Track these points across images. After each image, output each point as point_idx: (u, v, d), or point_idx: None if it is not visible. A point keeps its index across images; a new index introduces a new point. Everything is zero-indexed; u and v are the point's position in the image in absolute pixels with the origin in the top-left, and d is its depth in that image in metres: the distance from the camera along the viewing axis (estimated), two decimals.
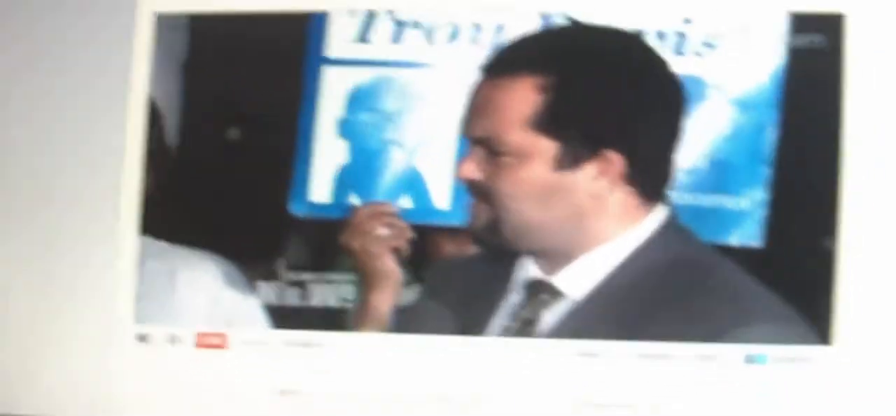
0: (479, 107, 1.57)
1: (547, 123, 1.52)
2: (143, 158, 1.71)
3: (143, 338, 1.70)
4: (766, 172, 1.58)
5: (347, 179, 1.69)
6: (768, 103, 1.59)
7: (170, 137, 1.73)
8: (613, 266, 1.53)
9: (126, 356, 1.70)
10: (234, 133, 1.72)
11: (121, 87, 1.73)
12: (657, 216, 1.54)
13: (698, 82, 1.61)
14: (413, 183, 1.68)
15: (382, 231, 1.66)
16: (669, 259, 1.53)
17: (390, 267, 1.66)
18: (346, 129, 1.69)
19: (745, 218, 1.58)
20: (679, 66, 1.59)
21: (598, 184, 1.52)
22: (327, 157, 1.70)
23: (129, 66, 1.72)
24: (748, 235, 1.58)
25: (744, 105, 1.60)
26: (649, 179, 1.54)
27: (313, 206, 1.69)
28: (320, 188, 1.70)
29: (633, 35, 1.61)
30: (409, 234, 1.67)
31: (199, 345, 1.69)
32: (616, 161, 1.51)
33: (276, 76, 1.71)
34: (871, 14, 1.56)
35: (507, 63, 1.57)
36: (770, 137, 1.59)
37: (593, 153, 1.52)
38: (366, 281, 1.67)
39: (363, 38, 1.70)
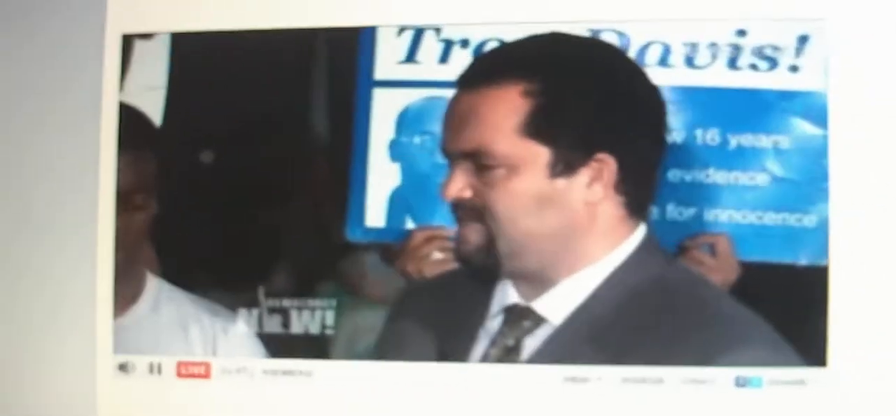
0: (461, 120, 1.52)
1: (538, 127, 1.48)
2: (118, 182, 1.68)
3: (123, 367, 1.69)
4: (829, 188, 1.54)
5: (401, 203, 1.67)
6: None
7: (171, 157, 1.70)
8: (592, 289, 1.50)
9: (106, 385, 1.69)
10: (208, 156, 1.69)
11: (94, 108, 1.70)
12: (637, 236, 1.51)
13: (756, 95, 1.56)
14: None
15: (438, 255, 1.64)
16: (649, 280, 1.49)
17: None
18: (398, 151, 1.67)
19: (811, 236, 1.54)
20: (734, 79, 1.55)
21: (592, 192, 1.49)
22: (380, 180, 1.67)
23: (100, 86, 1.69)
24: (814, 254, 1.54)
25: (805, 119, 1.56)
26: (638, 188, 1.50)
27: (370, 231, 1.67)
28: (375, 213, 1.67)
29: (607, 43, 1.57)
30: None
31: (181, 375, 1.68)
32: (609, 164, 1.48)
33: (326, 98, 1.68)
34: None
35: (488, 72, 1.53)
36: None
37: (587, 156, 1.48)
38: None
39: (411, 58, 1.66)
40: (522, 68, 1.50)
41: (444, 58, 1.66)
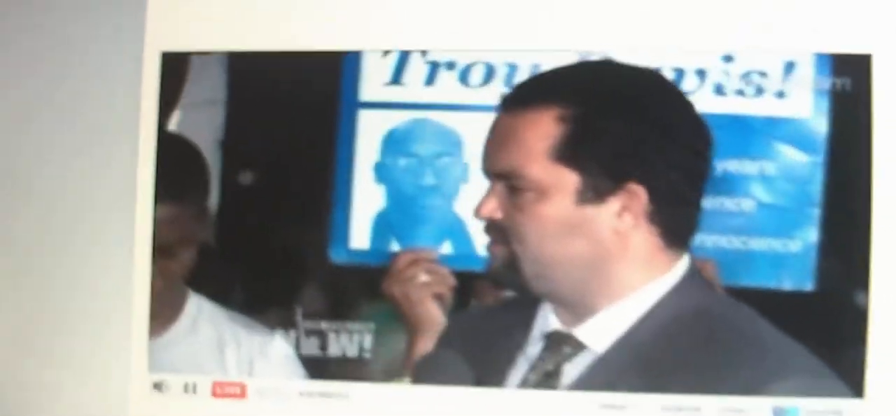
0: (499, 140, 1.54)
1: (568, 153, 1.49)
2: (155, 202, 1.68)
3: (158, 386, 1.69)
4: (816, 213, 1.54)
5: (386, 226, 1.67)
6: (816, 144, 1.55)
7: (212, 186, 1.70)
8: (637, 318, 1.50)
9: (141, 404, 1.68)
10: (254, 178, 1.69)
11: (133, 127, 1.70)
12: (681, 266, 1.51)
13: (742, 121, 1.56)
14: (453, 229, 1.66)
15: (424, 278, 1.64)
16: (694, 309, 1.49)
17: (433, 314, 1.64)
18: (383, 173, 1.66)
19: (796, 261, 1.54)
20: (721, 105, 1.55)
21: (622, 221, 1.49)
22: (365, 202, 1.67)
23: (138, 104, 1.69)
24: (798, 279, 1.54)
25: (792, 145, 1.56)
26: (673, 219, 1.50)
27: (353, 253, 1.66)
28: (360, 235, 1.66)
29: (655, 72, 1.57)
30: (451, 281, 1.65)
31: (217, 395, 1.67)
32: (639, 195, 1.48)
33: (309, 120, 1.67)
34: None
35: (527, 96, 1.54)
36: (819, 177, 1.55)
37: (616, 186, 1.49)
38: (408, 329, 1.65)
39: (396, 80, 1.65)
40: (560, 94, 1.50)
41: (430, 80, 1.65)
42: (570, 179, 1.49)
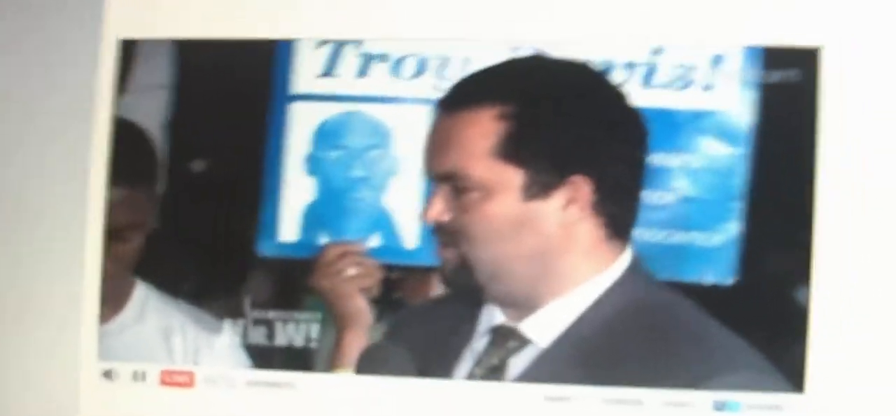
0: (440, 143, 1.53)
1: (511, 150, 1.48)
2: (108, 187, 1.68)
3: (107, 374, 1.67)
4: (738, 207, 1.51)
5: (316, 218, 1.66)
6: (741, 137, 1.53)
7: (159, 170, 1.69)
8: (580, 311, 1.49)
9: (90, 392, 1.67)
10: (198, 166, 1.68)
11: (86, 112, 1.69)
12: (624, 259, 1.50)
13: (668, 114, 1.54)
14: (382, 222, 1.65)
15: (352, 271, 1.62)
16: (636, 303, 1.48)
17: (361, 307, 1.63)
18: (314, 166, 1.65)
19: (717, 255, 1.51)
20: (648, 98, 1.53)
21: (568, 213, 1.48)
22: (295, 194, 1.66)
23: (94, 91, 1.69)
24: (720, 272, 1.51)
25: (716, 139, 1.54)
26: (617, 210, 1.49)
27: (281, 246, 1.65)
28: (288, 227, 1.65)
29: (591, 67, 1.56)
30: (379, 274, 1.64)
31: (165, 383, 1.66)
32: (584, 186, 1.47)
33: (241, 110, 1.66)
34: (847, 48, 1.50)
35: (465, 96, 1.53)
36: (742, 171, 1.52)
37: (561, 179, 1.48)
38: (336, 322, 1.63)
39: (329, 71, 1.65)
40: (498, 92, 1.50)
41: (362, 72, 1.64)
42: (514, 176, 1.48)
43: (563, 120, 1.48)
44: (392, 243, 1.64)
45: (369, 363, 1.61)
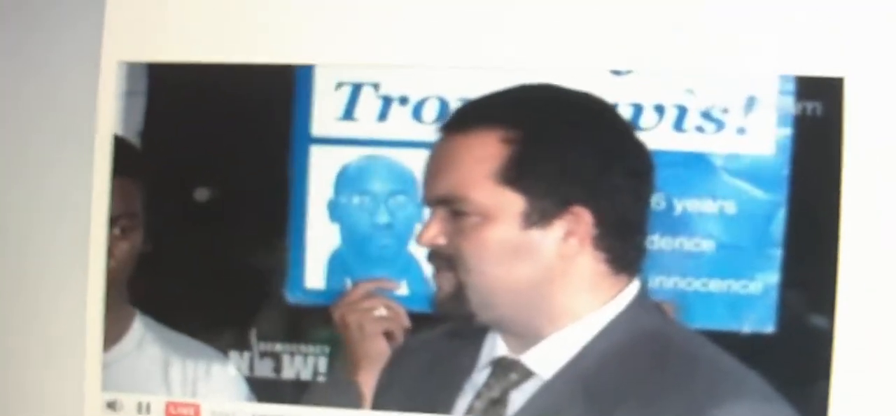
0: (440, 165, 1.50)
1: (513, 175, 1.45)
2: (109, 217, 1.66)
3: (111, 405, 1.66)
4: (777, 254, 1.49)
5: (341, 265, 1.63)
6: (777, 180, 1.50)
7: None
8: (584, 343, 1.46)
9: None
10: (201, 195, 1.66)
11: (89, 139, 1.67)
12: (629, 292, 1.47)
13: (701, 158, 1.51)
14: (408, 268, 1.61)
15: (381, 311, 1.59)
16: (641, 334, 1.46)
17: (382, 349, 1.61)
18: (337, 212, 1.62)
19: (756, 303, 1.49)
20: (680, 142, 1.50)
21: (568, 245, 1.45)
22: (320, 241, 1.63)
23: (94, 114, 1.66)
24: (760, 320, 1.49)
25: (751, 182, 1.51)
26: (619, 244, 1.46)
27: (309, 292, 1.63)
28: (314, 274, 1.64)
29: (594, 96, 1.52)
30: (406, 321, 1.61)
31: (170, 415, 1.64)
32: (585, 218, 1.44)
33: (253, 146, 1.64)
34: (871, 78, 1.47)
35: (469, 118, 1.50)
36: (780, 215, 1.50)
37: (562, 209, 1.45)
38: (354, 360, 1.61)
39: (349, 115, 1.61)
40: (504, 115, 1.47)
41: (382, 116, 1.61)
42: (515, 202, 1.45)
43: (569, 148, 1.46)
44: (419, 291, 1.60)
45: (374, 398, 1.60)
